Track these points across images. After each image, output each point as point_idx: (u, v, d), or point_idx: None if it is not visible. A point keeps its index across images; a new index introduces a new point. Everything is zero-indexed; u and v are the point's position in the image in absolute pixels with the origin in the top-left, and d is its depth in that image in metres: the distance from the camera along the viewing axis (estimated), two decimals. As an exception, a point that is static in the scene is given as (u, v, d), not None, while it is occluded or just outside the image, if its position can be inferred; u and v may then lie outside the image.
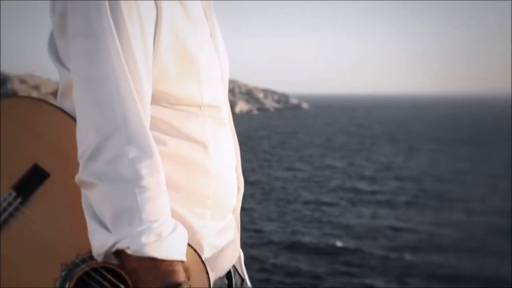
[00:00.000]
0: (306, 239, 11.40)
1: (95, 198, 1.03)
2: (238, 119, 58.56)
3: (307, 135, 39.66)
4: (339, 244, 11.06)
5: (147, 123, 1.06)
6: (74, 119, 1.09)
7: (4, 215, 1.10)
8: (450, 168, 22.05)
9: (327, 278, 9.20)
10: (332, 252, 10.57)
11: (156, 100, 1.11)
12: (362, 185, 17.90)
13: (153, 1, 1.07)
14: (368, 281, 9.09)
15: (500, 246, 10.84)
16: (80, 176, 1.05)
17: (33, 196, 1.11)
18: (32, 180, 1.11)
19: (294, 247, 10.89)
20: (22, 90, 57.00)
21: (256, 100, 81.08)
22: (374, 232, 12.01)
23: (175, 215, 1.10)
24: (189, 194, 1.15)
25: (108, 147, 1.01)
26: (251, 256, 9.76)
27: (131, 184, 1.01)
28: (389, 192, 16.82)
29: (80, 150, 1.05)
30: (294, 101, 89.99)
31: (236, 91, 78.65)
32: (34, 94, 57.74)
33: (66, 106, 1.16)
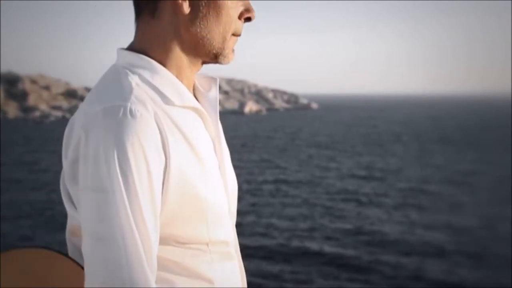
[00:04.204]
0: (310, 243, 11.25)
1: None
2: (247, 119, 58.46)
3: (313, 135, 39.29)
4: (343, 248, 10.88)
5: (153, 281, 1.06)
6: (82, 267, 1.11)
7: None
8: (454, 169, 21.85)
9: (331, 283, 9.15)
10: (335, 256, 10.40)
11: (164, 241, 1.12)
12: (368, 188, 17.74)
13: (162, 151, 1.08)
14: (371, 286, 9.05)
15: (504, 251, 10.74)
16: None
17: None
18: None
19: (297, 251, 10.71)
20: (33, 90, 57.14)
21: (266, 100, 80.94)
22: (380, 235, 11.87)
23: None
24: None
25: None
26: (253, 262, 9.71)
27: None
28: (395, 194, 16.61)
29: None
30: (303, 101, 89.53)
31: (246, 92, 78.63)
32: (45, 94, 57.89)
33: (75, 243, 1.19)
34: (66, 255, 1.19)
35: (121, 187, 1.03)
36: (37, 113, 54.23)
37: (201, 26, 1.18)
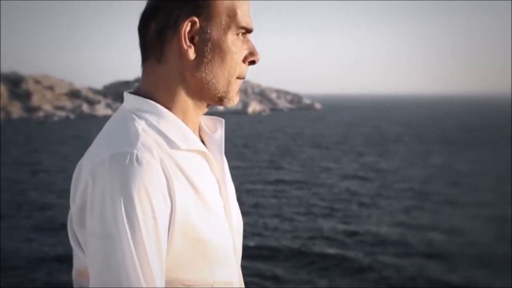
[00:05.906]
0: (310, 244, 11.23)
1: None
2: (249, 119, 58.34)
3: (315, 135, 39.11)
4: (343, 248, 10.87)
5: None
6: None
7: None
8: (454, 169, 21.82)
9: (331, 284, 9.09)
10: (336, 256, 10.39)
11: (170, 283, 1.14)
12: (369, 188, 17.69)
13: (168, 196, 1.11)
14: (372, 286, 9.05)
15: (504, 251, 10.73)
16: None
17: None
18: None
19: (297, 251, 10.71)
20: (36, 90, 57.22)
21: (269, 100, 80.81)
22: (380, 235, 11.82)
23: None
24: None
25: None
26: (253, 262, 9.73)
27: None
28: (395, 195, 16.58)
29: None
30: (307, 101, 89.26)
31: (249, 92, 78.55)
32: (48, 94, 57.92)
33: (82, 284, 1.22)
34: None
35: (127, 234, 1.05)
36: (41, 113, 54.25)
37: (206, 71, 1.21)
